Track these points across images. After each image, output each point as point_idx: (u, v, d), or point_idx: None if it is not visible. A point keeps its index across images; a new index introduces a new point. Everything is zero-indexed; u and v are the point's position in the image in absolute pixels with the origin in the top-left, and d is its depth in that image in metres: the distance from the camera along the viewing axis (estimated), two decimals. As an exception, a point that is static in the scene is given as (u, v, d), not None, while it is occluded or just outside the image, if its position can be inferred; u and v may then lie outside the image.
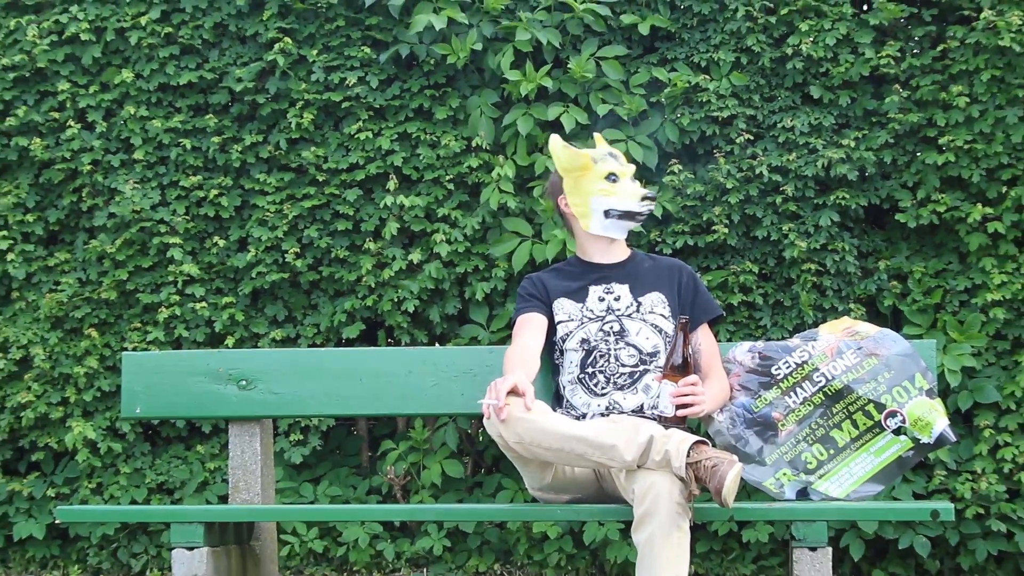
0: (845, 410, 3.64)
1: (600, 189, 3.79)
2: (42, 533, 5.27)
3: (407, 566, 5.27)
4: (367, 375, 4.05)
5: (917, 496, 4.70)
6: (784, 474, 3.60)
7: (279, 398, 4.02)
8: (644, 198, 3.78)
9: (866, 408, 3.60)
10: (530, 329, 3.78)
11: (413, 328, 5.22)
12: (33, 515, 5.30)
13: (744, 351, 3.80)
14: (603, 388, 3.70)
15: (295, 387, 4.03)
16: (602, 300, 3.80)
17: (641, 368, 3.70)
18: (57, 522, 5.28)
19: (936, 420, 3.57)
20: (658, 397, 3.58)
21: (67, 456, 5.33)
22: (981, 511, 4.81)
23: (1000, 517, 4.82)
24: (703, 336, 3.81)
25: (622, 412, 3.61)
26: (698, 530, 4.92)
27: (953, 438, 3.88)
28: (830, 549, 3.47)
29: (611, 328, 3.76)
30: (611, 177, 3.76)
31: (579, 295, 3.82)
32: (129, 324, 5.30)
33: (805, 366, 3.68)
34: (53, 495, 5.28)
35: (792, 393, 3.68)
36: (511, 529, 5.21)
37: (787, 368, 3.70)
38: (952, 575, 5.02)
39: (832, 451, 3.62)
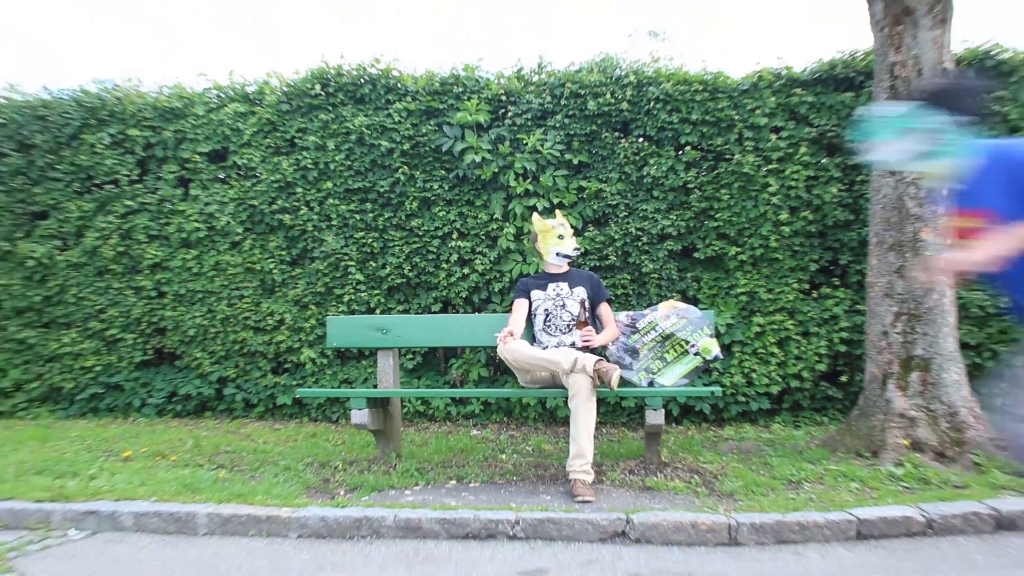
0: (671, 344, 3.90)
1: (554, 242, 3.97)
2: (290, 401, 5.56)
3: (462, 419, 5.47)
4: (443, 327, 4.29)
5: (705, 384, 4.80)
6: (642, 374, 3.87)
7: (400, 338, 4.27)
8: (574, 249, 4.03)
9: (680, 343, 3.88)
10: (520, 308, 3.97)
11: (465, 306, 5.42)
12: (287, 394, 5.55)
13: (623, 316, 4.04)
14: (555, 333, 3.89)
15: (409, 333, 4.28)
16: (555, 289, 3.96)
17: (572, 323, 3.87)
18: (297, 397, 5.54)
19: (713, 348, 3.87)
20: (576, 338, 3.82)
21: (301, 366, 5.59)
22: (733, 391, 5.16)
23: (742, 395, 5.18)
24: (603, 308, 3.96)
25: (566, 346, 3.85)
26: (601, 402, 4.90)
27: (721, 357, 4.20)
28: (663, 410, 3.76)
29: (558, 304, 3.93)
30: (561, 236, 3.98)
31: (543, 288, 3.97)
32: (329, 304, 5.49)
33: (651, 323, 3.95)
34: (295, 384, 5.52)
35: (645, 336, 3.95)
36: (512, 401, 5.39)
37: (643, 324, 3.97)
38: (720, 422, 5.24)
39: (664, 363, 3.89)
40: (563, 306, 3.89)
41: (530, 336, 3.98)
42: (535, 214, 4.22)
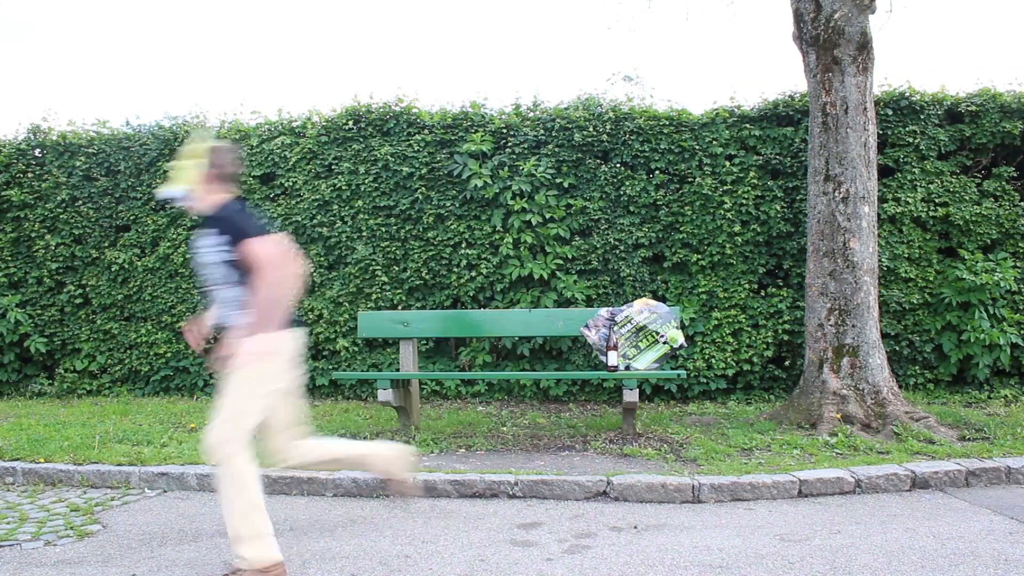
0: (644, 334, 3.92)
1: None
2: (327, 382, 5.50)
3: (470, 397, 5.42)
4: (454, 321, 4.34)
5: (672, 368, 4.70)
6: (620, 360, 3.87)
7: (418, 330, 4.30)
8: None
9: (652, 334, 3.93)
10: None
11: (472, 303, 5.36)
12: (324, 376, 5.49)
13: (603, 311, 4.02)
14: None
15: (426, 325, 4.28)
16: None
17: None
18: (333, 379, 5.51)
19: (679, 338, 3.90)
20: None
21: (336, 353, 5.51)
22: (695, 374, 5.10)
23: (703, 377, 5.08)
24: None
25: None
26: (586, 383, 5.16)
27: (687, 345, 4.26)
28: (638, 389, 3.82)
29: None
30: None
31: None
32: (360, 301, 5.42)
33: (627, 317, 3.99)
34: (331, 368, 5.48)
35: (623, 328, 3.96)
36: (512, 382, 5.34)
37: (620, 318, 4.01)
38: (685, 399, 5.19)
39: (638, 351, 3.91)
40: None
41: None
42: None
